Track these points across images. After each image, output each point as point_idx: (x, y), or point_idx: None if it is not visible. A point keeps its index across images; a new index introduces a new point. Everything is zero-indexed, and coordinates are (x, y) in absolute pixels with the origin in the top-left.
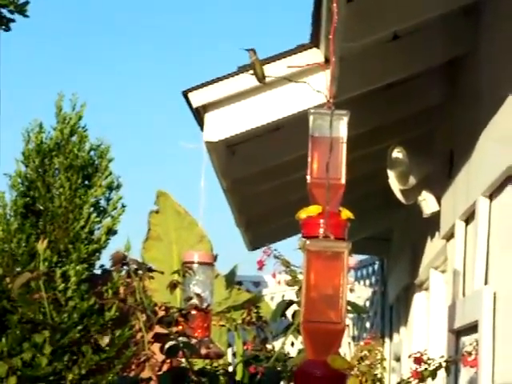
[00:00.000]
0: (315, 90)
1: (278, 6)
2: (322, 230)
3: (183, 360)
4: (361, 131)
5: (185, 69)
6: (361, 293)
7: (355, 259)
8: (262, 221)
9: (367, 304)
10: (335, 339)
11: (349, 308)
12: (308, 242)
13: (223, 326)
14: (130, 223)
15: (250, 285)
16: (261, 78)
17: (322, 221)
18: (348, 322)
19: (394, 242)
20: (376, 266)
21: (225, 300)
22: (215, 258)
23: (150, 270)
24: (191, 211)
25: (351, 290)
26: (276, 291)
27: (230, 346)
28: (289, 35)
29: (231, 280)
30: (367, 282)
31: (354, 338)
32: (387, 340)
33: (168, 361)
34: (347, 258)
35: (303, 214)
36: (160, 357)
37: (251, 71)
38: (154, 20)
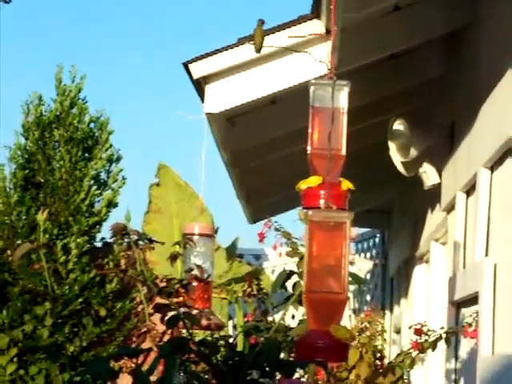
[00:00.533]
0: (317, 59)
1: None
2: (322, 201)
3: (184, 331)
4: (361, 103)
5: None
6: (361, 265)
7: (356, 231)
8: (263, 194)
9: (368, 277)
10: (337, 309)
11: (350, 279)
12: (310, 212)
13: (224, 298)
14: (131, 196)
15: (250, 258)
16: (258, 48)
17: (322, 191)
18: (349, 294)
19: (394, 214)
20: (377, 239)
21: (225, 273)
22: (216, 230)
23: (151, 240)
24: (192, 184)
25: (352, 263)
26: (277, 264)
27: (230, 318)
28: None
29: (232, 253)
30: (368, 254)
31: (354, 311)
32: (388, 312)
33: (169, 332)
34: (349, 228)
35: (303, 185)
36: (161, 328)
37: (252, 42)
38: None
